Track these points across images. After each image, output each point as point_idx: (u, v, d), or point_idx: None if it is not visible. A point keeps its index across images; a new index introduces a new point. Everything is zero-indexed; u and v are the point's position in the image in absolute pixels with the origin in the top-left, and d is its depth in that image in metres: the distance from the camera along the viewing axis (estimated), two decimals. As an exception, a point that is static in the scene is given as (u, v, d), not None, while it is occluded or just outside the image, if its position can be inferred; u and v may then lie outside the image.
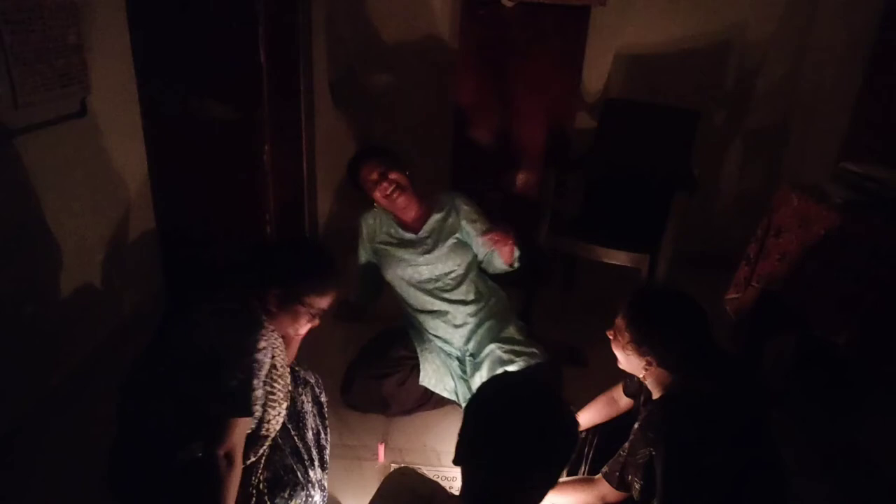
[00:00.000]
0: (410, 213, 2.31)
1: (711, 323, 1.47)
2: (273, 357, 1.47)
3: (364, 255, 2.42)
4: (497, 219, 2.29)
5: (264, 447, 1.54)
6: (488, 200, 2.63)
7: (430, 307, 2.27)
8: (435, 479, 1.96)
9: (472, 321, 2.26)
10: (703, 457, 1.35)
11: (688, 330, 1.45)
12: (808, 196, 2.18)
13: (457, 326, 2.26)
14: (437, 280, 2.26)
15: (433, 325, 2.28)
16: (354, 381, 2.23)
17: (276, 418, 1.53)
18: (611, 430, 1.75)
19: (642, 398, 1.64)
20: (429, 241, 2.29)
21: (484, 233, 2.21)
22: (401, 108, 3.39)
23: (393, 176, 2.22)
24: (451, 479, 1.98)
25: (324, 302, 1.54)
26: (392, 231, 2.34)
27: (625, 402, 1.78)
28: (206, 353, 1.38)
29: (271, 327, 1.47)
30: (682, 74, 3.19)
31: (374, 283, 2.45)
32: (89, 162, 2.30)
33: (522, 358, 2.15)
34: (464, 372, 2.24)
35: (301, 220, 3.32)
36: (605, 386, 1.86)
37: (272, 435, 1.55)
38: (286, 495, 1.56)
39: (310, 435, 1.69)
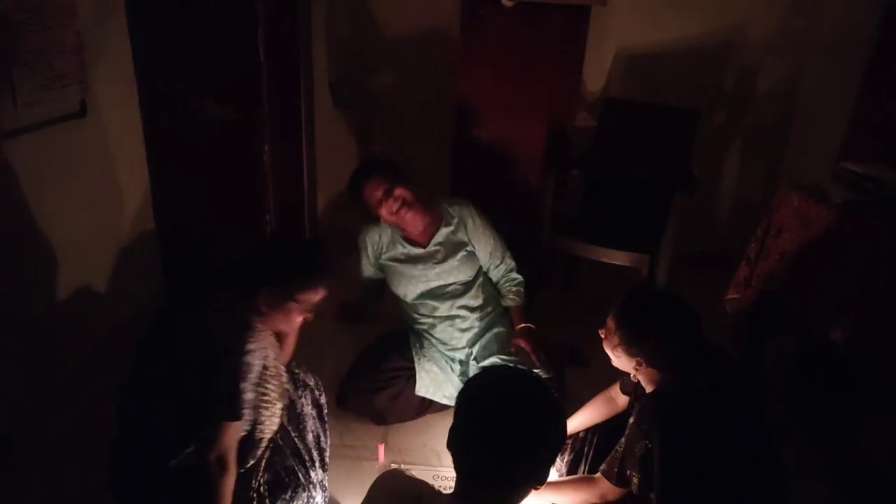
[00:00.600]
0: (418, 227, 2.24)
1: (710, 323, 1.47)
2: (265, 358, 1.46)
3: (368, 270, 2.37)
4: (524, 331, 2.23)
5: (262, 450, 1.53)
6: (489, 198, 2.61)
7: (437, 313, 2.25)
8: (434, 479, 1.97)
9: (478, 325, 2.26)
10: (698, 449, 1.36)
11: (676, 331, 1.47)
12: (808, 196, 2.18)
13: (463, 330, 2.26)
14: (445, 287, 2.25)
15: (439, 329, 2.26)
16: (349, 395, 2.20)
17: (271, 419, 1.53)
18: (610, 430, 1.75)
19: (637, 393, 1.64)
20: (438, 254, 2.24)
21: (513, 339, 2.20)
22: (401, 108, 3.39)
23: (398, 192, 2.13)
24: (450, 479, 1.97)
25: (315, 297, 1.53)
26: (399, 247, 2.27)
27: (623, 400, 1.78)
28: (198, 357, 1.37)
29: (262, 328, 1.46)
30: (682, 74, 3.19)
31: (377, 290, 2.44)
32: (89, 162, 2.30)
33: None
34: (465, 375, 2.23)
35: (301, 220, 3.32)
36: (606, 386, 1.86)
37: (268, 437, 1.54)
38: (287, 497, 1.56)
39: (310, 437, 1.69)
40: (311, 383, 1.79)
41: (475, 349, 2.24)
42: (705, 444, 1.36)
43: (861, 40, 2.94)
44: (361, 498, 1.30)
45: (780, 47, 3.18)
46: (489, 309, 2.28)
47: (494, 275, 2.33)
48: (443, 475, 2.00)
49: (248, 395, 1.39)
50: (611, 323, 1.55)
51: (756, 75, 3.25)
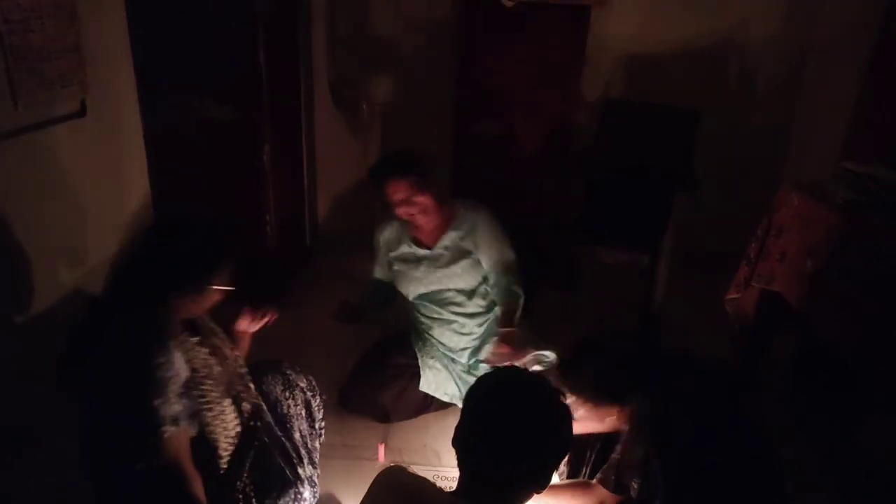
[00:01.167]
0: (428, 229, 2.20)
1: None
2: (191, 361, 1.42)
3: (380, 272, 2.36)
4: (505, 336, 2.10)
5: (228, 448, 1.51)
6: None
7: (437, 315, 2.25)
8: (434, 479, 1.97)
9: (478, 331, 2.26)
10: (697, 449, 1.36)
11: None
12: (808, 196, 2.17)
13: (462, 335, 2.26)
14: (445, 291, 2.24)
15: (438, 332, 2.26)
16: (353, 392, 2.21)
17: (222, 417, 1.49)
18: (615, 435, 1.74)
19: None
20: (442, 258, 2.21)
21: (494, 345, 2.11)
22: (401, 108, 3.38)
23: (418, 199, 2.08)
24: (451, 479, 1.97)
25: (226, 274, 1.49)
26: (405, 246, 2.26)
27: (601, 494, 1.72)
28: (112, 381, 1.33)
29: (177, 337, 1.41)
30: (682, 74, 3.19)
31: (385, 294, 2.38)
32: (89, 162, 2.30)
33: None
34: (467, 372, 2.23)
35: (301, 220, 3.32)
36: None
37: (230, 433, 1.51)
38: (274, 496, 1.56)
39: (297, 436, 1.70)
40: (303, 384, 1.79)
41: (479, 355, 2.24)
42: (704, 444, 1.36)
43: (861, 40, 2.94)
44: (361, 497, 1.30)
45: (780, 47, 3.18)
46: (490, 316, 2.27)
47: (493, 284, 2.25)
48: (443, 475, 1.99)
49: (173, 409, 1.33)
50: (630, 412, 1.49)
51: (756, 75, 3.25)
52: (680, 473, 1.35)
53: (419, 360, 2.23)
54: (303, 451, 1.69)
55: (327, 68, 3.35)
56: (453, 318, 2.24)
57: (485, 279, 2.25)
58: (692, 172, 2.83)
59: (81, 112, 2.19)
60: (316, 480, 1.73)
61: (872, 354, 1.96)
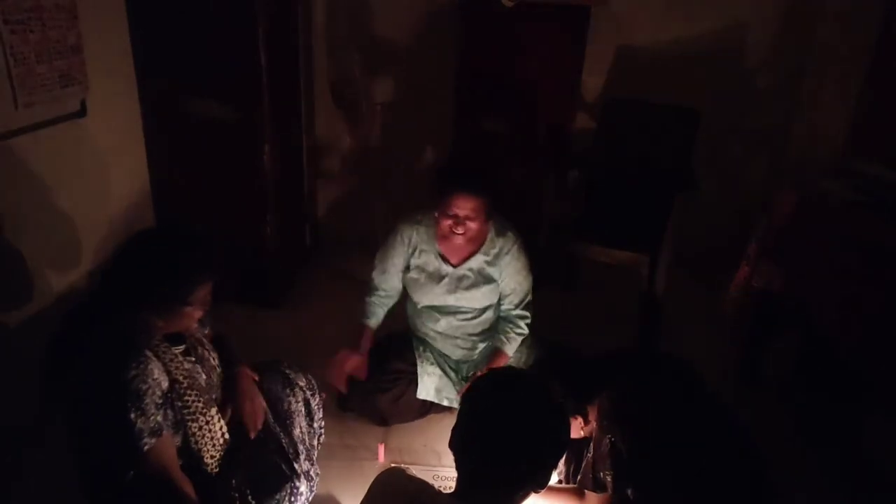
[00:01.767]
0: (457, 248, 2.12)
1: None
2: (171, 371, 1.39)
3: (384, 278, 2.19)
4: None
5: (215, 455, 1.50)
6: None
7: (439, 328, 2.22)
8: (434, 479, 1.97)
9: (481, 346, 2.25)
10: (660, 429, 1.38)
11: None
12: (808, 196, 2.18)
13: (465, 349, 2.26)
14: (458, 308, 2.19)
15: (441, 343, 2.25)
16: (351, 396, 2.19)
17: (209, 426, 1.47)
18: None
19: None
20: (465, 280, 2.14)
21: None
22: (401, 108, 3.38)
23: (475, 224, 1.99)
24: (450, 479, 1.97)
25: (205, 290, 1.43)
26: (432, 258, 2.14)
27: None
28: (85, 397, 1.32)
29: (156, 343, 1.39)
30: (683, 74, 3.19)
31: (383, 314, 2.25)
32: (89, 162, 2.30)
33: None
34: (465, 380, 2.22)
35: (301, 220, 3.32)
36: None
37: (217, 443, 1.50)
38: (270, 492, 1.56)
39: (296, 432, 1.70)
40: (302, 383, 1.79)
41: (473, 369, 2.23)
42: (665, 425, 1.38)
43: (861, 40, 2.94)
44: (361, 498, 1.30)
45: (781, 47, 3.18)
46: (492, 333, 2.25)
47: (503, 311, 2.21)
48: (443, 475, 1.99)
49: (153, 420, 1.31)
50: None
51: (756, 75, 3.25)
52: (644, 455, 1.36)
53: (418, 367, 2.21)
54: (300, 447, 1.69)
55: (327, 68, 3.35)
56: (458, 333, 2.22)
57: (498, 301, 2.22)
58: (692, 172, 2.83)
59: (81, 112, 2.19)
60: (313, 475, 1.73)
61: (872, 354, 1.97)
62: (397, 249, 2.16)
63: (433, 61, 3.25)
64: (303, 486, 1.66)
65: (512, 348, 2.17)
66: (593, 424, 1.54)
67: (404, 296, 2.29)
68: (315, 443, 1.80)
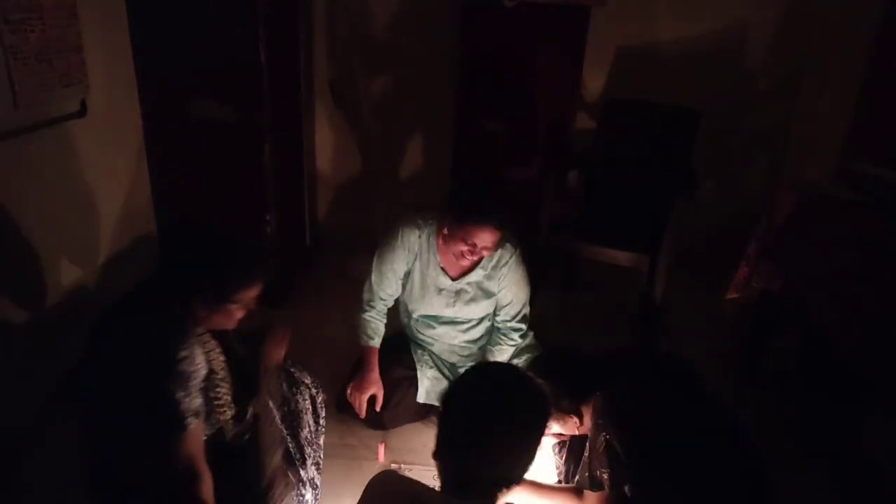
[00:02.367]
0: (458, 265, 2.08)
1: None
2: (210, 362, 1.43)
3: (383, 282, 2.13)
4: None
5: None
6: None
7: (435, 336, 2.22)
8: (434, 479, 1.96)
9: (476, 353, 2.25)
10: (655, 427, 1.38)
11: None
12: (808, 196, 2.18)
13: (462, 356, 2.26)
14: (455, 319, 2.19)
15: (438, 349, 2.25)
16: (349, 404, 2.16)
17: (226, 422, 1.50)
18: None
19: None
20: (464, 294, 2.12)
21: None
22: (401, 108, 3.39)
23: (486, 253, 1.97)
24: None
25: (252, 292, 1.48)
26: (433, 271, 2.11)
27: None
28: (131, 373, 1.34)
29: (199, 332, 1.42)
30: (682, 74, 3.19)
31: (382, 326, 2.20)
32: (89, 162, 2.30)
33: None
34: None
35: (301, 220, 3.32)
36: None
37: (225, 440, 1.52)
38: (276, 496, 1.56)
39: (304, 433, 1.69)
40: (307, 381, 1.79)
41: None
42: (664, 424, 1.38)
43: (862, 40, 2.95)
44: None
45: (781, 47, 3.19)
46: (487, 339, 2.25)
47: (498, 321, 2.19)
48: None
49: (193, 403, 1.34)
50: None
51: (756, 75, 3.25)
52: (643, 455, 1.36)
53: (417, 371, 2.20)
54: (308, 450, 1.69)
55: (327, 68, 3.35)
56: (455, 341, 2.22)
57: (494, 311, 2.20)
58: (692, 172, 2.83)
59: (81, 112, 2.19)
60: (318, 483, 1.73)
61: (872, 354, 1.97)
62: (398, 253, 2.10)
63: (433, 61, 3.25)
64: (308, 495, 1.66)
65: (503, 359, 2.14)
66: (588, 423, 1.55)
67: (405, 316, 2.28)
68: (321, 441, 1.80)
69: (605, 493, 1.47)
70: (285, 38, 2.85)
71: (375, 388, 2.11)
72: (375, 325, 2.16)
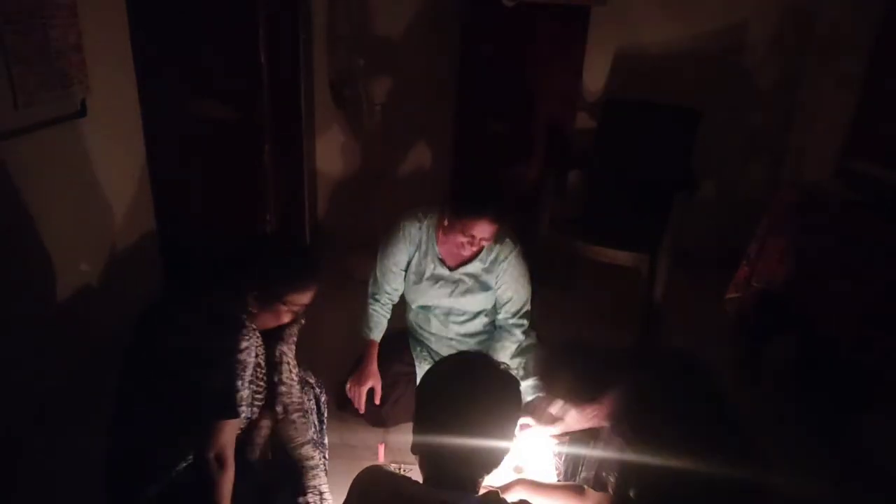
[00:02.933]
0: (456, 255, 2.10)
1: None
2: (257, 356, 1.46)
3: (387, 276, 2.15)
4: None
5: (262, 445, 1.53)
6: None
7: (434, 329, 2.22)
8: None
9: (475, 347, 2.23)
10: (670, 434, 1.37)
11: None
12: (808, 196, 2.18)
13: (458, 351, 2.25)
14: (453, 310, 2.19)
15: (437, 345, 2.25)
16: (348, 400, 2.17)
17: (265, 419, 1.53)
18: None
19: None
20: (461, 285, 2.13)
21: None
22: (401, 108, 3.39)
23: (485, 244, 2.01)
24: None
25: (304, 298, 1.53)
26: (430, 261, 2.13)
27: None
28: (190, 357, 1.36)
29: (253, 327, 1.46)
30: (682, 74, 3.19)
31: (386, 319, 2.22)
32: (89, 162, 2.30)
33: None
34: None
35: (301, 220, 3.32)
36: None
37: (264, 434, 1.54)
38: (286, 495, 1.57)
39: (310, 434, 1.69)
40: (312, 381, 1.80)
41: None
42: (685, 436, 1.37)
43: (862, 40, 2.95)
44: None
45: (780, 47, 3.19)
46: (488, 336, 2.24)
47: (500, 319, 2.19)
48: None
49: (244, 392, 1.39)
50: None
51: (756, 75, 3.25)
52: (655, 460, 1.36)
53: (416, 368, 2.21)
54: (316, 454, 1.69)
55: (327, 68, 3.35)
56: (453, 335, 2.22)
57: (493, 306, 2.21)
58: (692, 172, 2.83)
59: (81, 112, 2.19)
60: (324, 489, 1.73)
61: (872, 354, 1.97)
62: (399, 246, 2.13)
63: (434, 61, 3.25)
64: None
65: (506, 356, 2.14)
66: (598, 419, 1.54)
67: (408, 311, 2.28)
68: (326, 441, 1.80)
69: (608, 495, 1.47)
70: (285, 38, 2.85)
71: (373, 381, 2.12)
72: (377, 319, 2.18)
